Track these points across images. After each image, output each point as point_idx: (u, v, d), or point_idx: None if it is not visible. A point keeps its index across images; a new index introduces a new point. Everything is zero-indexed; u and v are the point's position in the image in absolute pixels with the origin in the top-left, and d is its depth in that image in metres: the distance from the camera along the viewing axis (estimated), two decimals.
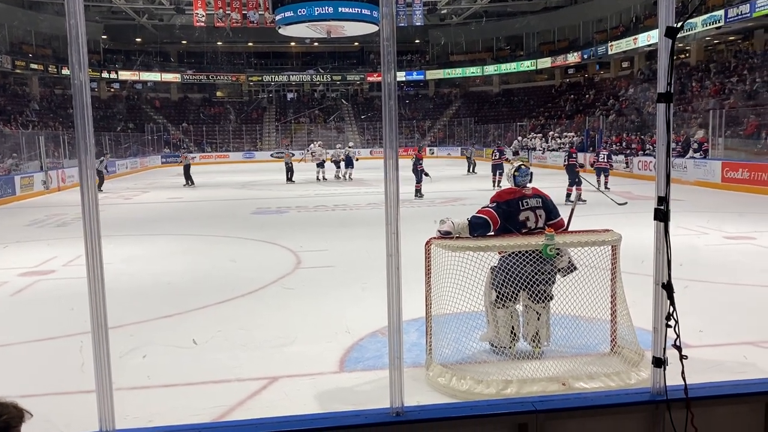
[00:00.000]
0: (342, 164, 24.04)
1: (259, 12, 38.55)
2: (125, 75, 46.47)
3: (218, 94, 51.78)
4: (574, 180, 14.54)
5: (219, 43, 46.48)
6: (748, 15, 25.66)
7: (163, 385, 4.44)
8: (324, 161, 23.95)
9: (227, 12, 38.82)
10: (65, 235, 11.69)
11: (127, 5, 40.10)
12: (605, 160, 18.13)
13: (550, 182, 14.50)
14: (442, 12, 44.95)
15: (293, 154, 25.09)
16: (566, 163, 15.41)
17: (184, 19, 41.43)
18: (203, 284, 7.57)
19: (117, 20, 43.82)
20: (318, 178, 23.29)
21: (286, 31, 28.54)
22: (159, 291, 7.30)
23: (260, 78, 50.46)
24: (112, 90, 47.90)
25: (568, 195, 14.64)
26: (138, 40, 47.27)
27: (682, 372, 2.44)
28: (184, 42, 46.99)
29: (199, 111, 49.06)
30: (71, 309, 6.21)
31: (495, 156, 19.54)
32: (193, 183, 22.63)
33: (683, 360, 2.41)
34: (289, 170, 23.44)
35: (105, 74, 45.36)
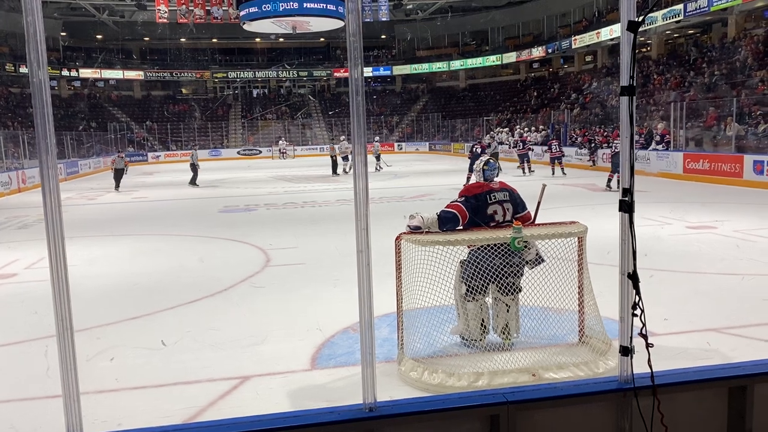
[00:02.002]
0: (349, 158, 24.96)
1: (223, 8, 38.08)
2: (86, 73, 45.54)
3: (183, 91, 51.04)
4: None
5: (182, 40, 45.76)
6: (706, 9, 26.28)
7: (131, 388, 4.37)
8: (348, 155, 24.65)
9: (190, 8, 38.27)
10: (27, 237, 11.41)
11: (86, 1, 39.22)
12: (558, 150, 20.56)
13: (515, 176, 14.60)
14: (408, 7, 45.02)
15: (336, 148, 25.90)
16: (615, 151, 16.06)
17: (145, 15, 40.72)
18: (171, 284, 7.46)
19: (76, 17, 42.85)
20: (345, 171, 24.44)
21: (250, 26, 28.20)
22: (126, 292, 7.18)
23: (225, 74, 49.92)
24: (73, 88, 46.86)
25: (612, 181, 15.70)
26: (99, 37, 46.31)
27: (649, 360, 2.48)
28: (146, 39, 46.18)
29: (163, 108, 48.27)
30: (35, 312, 6.08)
31: (519, 147, 22.76)
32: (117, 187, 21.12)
33: (649, 348, 2.46)
34: (335, 163, 24.80)
35: (65, 72, 44.40)
